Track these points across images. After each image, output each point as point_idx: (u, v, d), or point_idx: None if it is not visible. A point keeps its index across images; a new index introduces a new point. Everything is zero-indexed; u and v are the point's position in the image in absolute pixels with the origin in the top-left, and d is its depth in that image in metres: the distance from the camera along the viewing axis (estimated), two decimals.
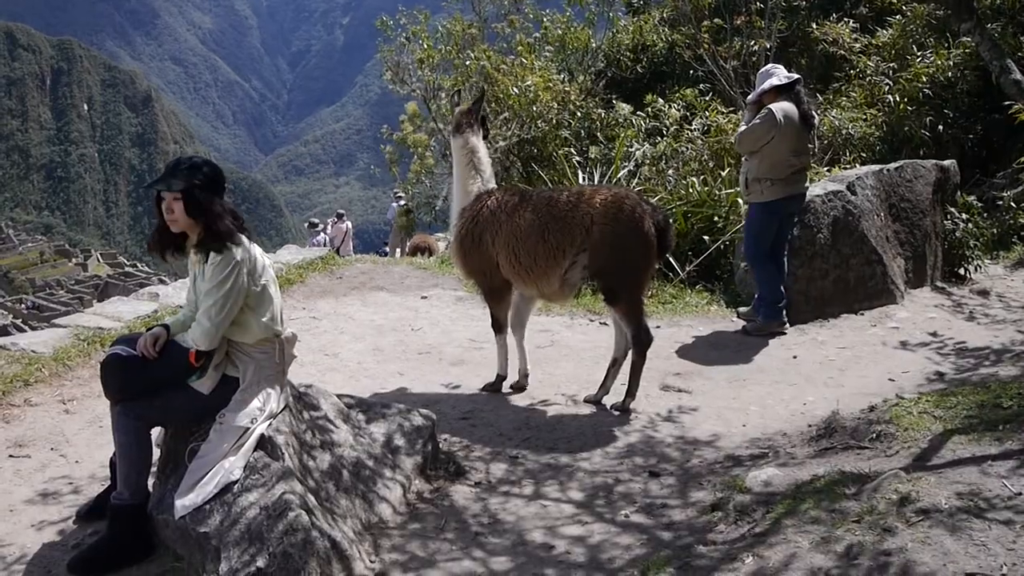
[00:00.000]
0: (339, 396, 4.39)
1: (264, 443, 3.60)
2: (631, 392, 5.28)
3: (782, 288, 6.78)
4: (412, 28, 12.44)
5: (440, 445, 4.56)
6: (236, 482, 3.43)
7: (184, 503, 3.39)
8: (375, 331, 6.92)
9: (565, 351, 6.40)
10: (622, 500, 4.04)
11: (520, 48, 12.45)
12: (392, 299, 7.86)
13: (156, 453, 3.72)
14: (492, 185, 5.56)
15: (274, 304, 3.68)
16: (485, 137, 5.70)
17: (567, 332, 6.89)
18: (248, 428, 3.56)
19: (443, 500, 4.08)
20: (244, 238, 3.60)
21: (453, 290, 8.14)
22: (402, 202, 17.22)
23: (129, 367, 3.49)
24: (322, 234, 18.92)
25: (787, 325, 6.80)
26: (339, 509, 3.68)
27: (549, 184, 9.33)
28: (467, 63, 11.41)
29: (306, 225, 20.86)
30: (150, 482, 3.68)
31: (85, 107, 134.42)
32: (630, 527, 3.75)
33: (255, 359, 3.66)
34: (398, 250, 17.87)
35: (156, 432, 3.75)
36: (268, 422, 3.64)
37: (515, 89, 10.65)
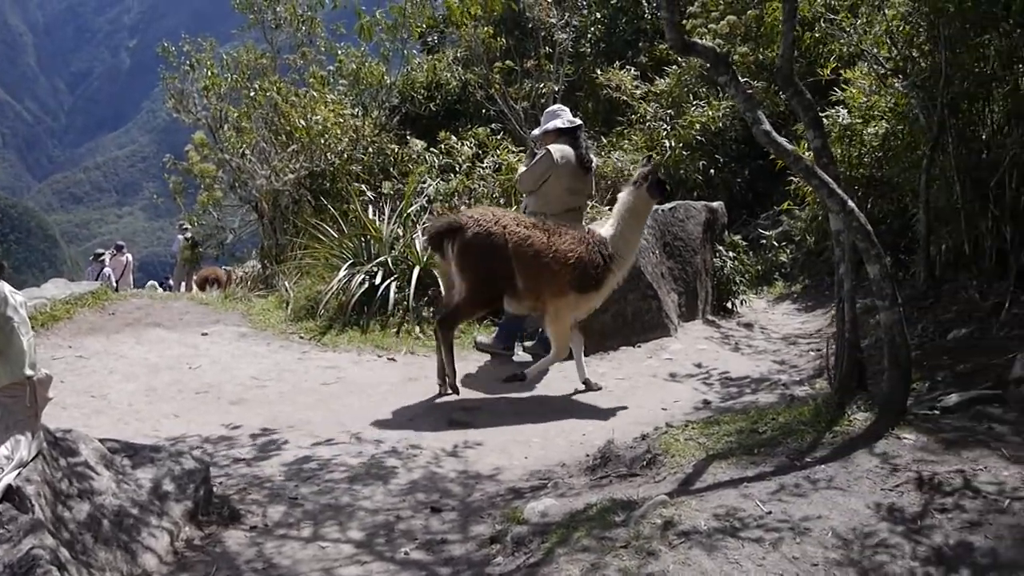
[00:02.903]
0: (103, 440, 4.12)
1: (11, 494, 3.31)
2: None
3: (522, 321, 7.15)
4: (196, 56, 12.03)
5: (214, 489, 4.36)
6: None
7: None
8: (149, 370, 6.57)
9: (351, 387, 6.32)
10: (403, 537, 4.01)
11: (313, 80, 12.31)
12: (169, 336, 7.50)
13: None
14: (604, 230, 6.29)
15: (24, 344, 3.41)
16: (659, 198, 6.48)
17: (354, 368, 6.82)
18: None
19: (215, 547, 3.90)
20: None
21: (236, 326, 7.87)
22: (188, 234, 16.54)
23: None
24: (107, 268, 17.81)
25: (512, 354, 7.11)
26: (97, 562, 3.43)
27: (339, 218, 9.23)
28: (252, 94, 11.14)
29: (91, 257, 19.51)
30: None
31: None
32: (409, 564, 3.72)
33: (2, 404, 3.37)
34: (183, 284, 17.12)
35: None
36: (17, 471, 3.35)
37: (302, 122, 10.50)
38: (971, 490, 3.48)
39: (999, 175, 6.51)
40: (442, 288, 6.45)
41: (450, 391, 6.19)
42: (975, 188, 6.83)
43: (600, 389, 6.39)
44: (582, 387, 6.38)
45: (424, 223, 9.04)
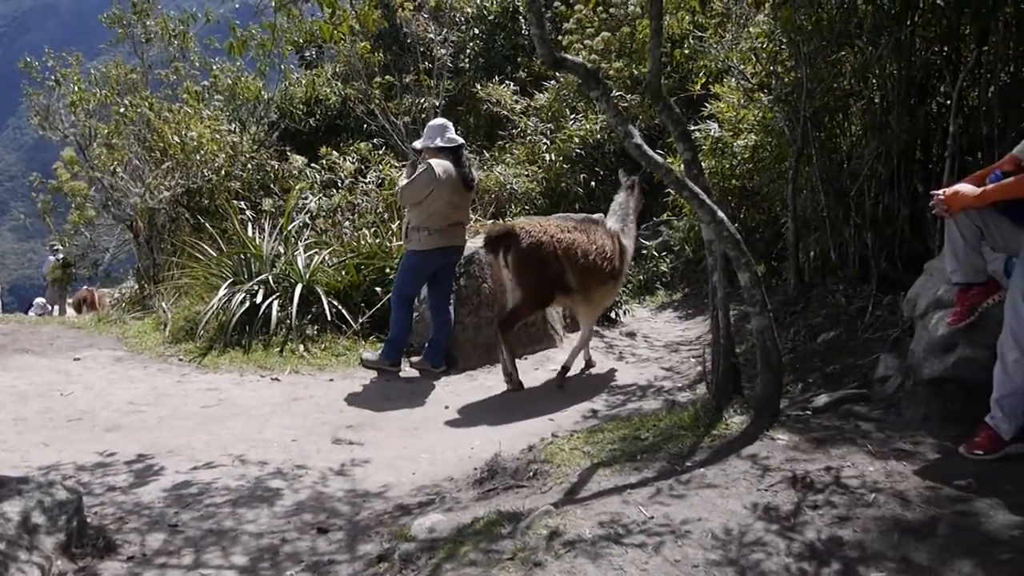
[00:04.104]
0: None
1: None
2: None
3: (407, 336, 7.21)
4: (62, 71, 11.57)
5: (89, 519, 4.18)
6: None
7: None
8: (17, 398, 6.25)
9: (233, 409, 6.16)
10: (288, 560, 3.92)
11: (187, 96, 11.99)
12: (39, 362, 7.15)
13: None
14: (609, 223, 7.03)
15: None
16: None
17: (236, 390, 6.64)
18: None
19: None
20: None
21: (111, 350, 7.57)
22: (59, 255, 15.90)
23: None
24: None
25: (399, 370, 7.12)
26: None
27: (217, 236, 9.02)
28: (123, 110, 10.76)
29: None
30: None
31: None
32: None
33: None
34: (56, 307, 16.43)
35: None
36: None
37: (176, 138, 10.21)
38: (840, 486, 3.64)
39: (859, 184, 6.83)
40: (497, 295, 7.00)
41: (514, 387, 6.64)
42: (838, 197, 7.14)
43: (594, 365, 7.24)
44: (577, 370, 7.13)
45: (307, 240, 8.94)
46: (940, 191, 4.13)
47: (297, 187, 10.47)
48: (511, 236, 6.47)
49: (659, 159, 4.49)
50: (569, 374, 6.87)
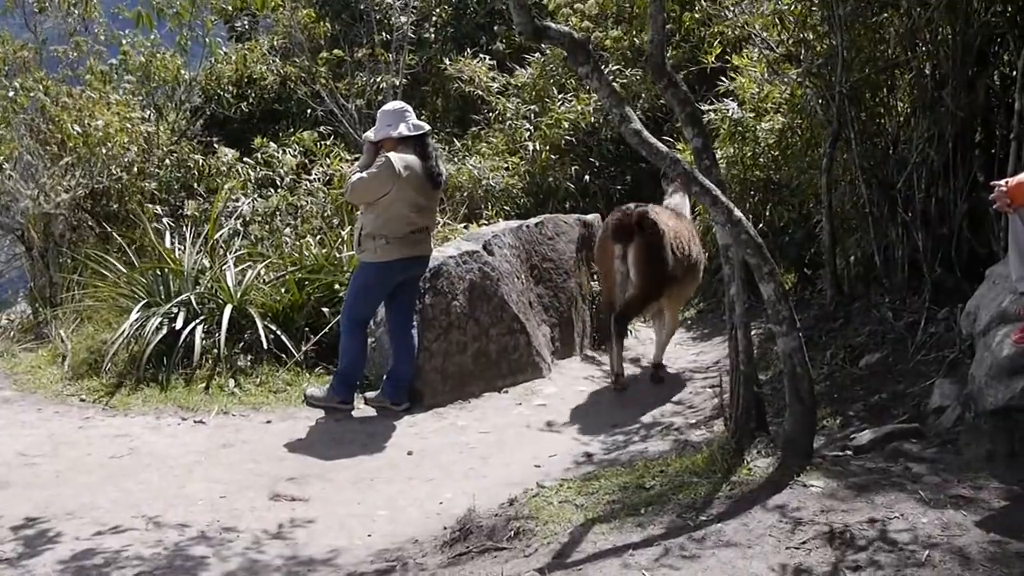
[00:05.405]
0: None
1: None
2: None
3: (361, 367, 7.20)
4: None
5: None
6: None
7: None
8: None
9: (148, 460, 6.11)
10: None
11: (90, 77, 11.95)
12: None
13: None
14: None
15: None
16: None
17: (152, 436, 6.60)
18: None
19: None
20: None
21: None
22: None
23: None
24: None
25: (352, 408, 7.08)
26: None
27: (128, 248, 8.98)
28: (11, 95, 10.71)
29: None
30: None
31: None
32: None
33: None
34: None
35: None
36: None
37: (77, 128, 10.17)
38: (886, 542, 3.65)
39: (907, 174, 6.86)
40: (606, 287, 7.88)
41: (617, 387, 7.59)
42: (882, 190, 7.19)
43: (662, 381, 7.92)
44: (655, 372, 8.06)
45: (238, 251, 8.90)
46: (1003, 181, 4.16)
47: (226, 186, 10.43)
48: (643, 223, 7.19)
49: (662, 148, 4.50)
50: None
